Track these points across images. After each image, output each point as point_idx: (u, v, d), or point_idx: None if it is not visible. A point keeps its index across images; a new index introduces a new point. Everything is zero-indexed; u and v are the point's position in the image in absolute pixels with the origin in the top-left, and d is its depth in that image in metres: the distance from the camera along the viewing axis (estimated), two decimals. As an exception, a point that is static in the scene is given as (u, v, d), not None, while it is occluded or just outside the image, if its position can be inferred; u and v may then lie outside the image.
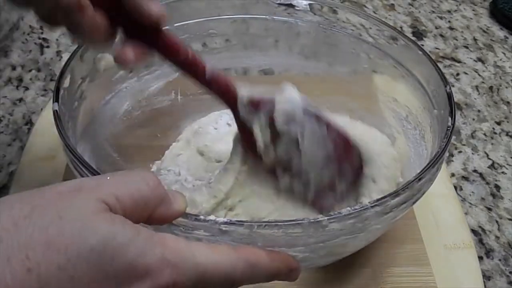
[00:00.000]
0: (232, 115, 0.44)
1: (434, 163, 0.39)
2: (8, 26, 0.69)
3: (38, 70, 0.67)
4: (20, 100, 0.63)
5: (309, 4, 0.54)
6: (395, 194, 0.36)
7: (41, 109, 0.61)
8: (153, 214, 0.30)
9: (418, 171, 0.39)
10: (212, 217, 0.33)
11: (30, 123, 0.60)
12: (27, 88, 0.65)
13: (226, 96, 0.43)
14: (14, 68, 0.67)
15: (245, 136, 0.45)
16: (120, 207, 0.28)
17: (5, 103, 0.63)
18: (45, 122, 0.57)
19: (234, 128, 0.46)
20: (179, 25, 0.55)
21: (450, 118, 0.42)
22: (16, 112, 0.62)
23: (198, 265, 0.28)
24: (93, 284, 0.25)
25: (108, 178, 0.29)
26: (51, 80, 0.66)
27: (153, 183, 0.30)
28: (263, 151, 0.44)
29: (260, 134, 0.43)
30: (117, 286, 0.26)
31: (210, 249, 0.30)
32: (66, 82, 0.44)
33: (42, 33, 0.73)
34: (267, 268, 0.32)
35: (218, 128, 0.57)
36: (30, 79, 0.66)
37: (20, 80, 0.66)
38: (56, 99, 0.42)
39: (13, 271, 0.24)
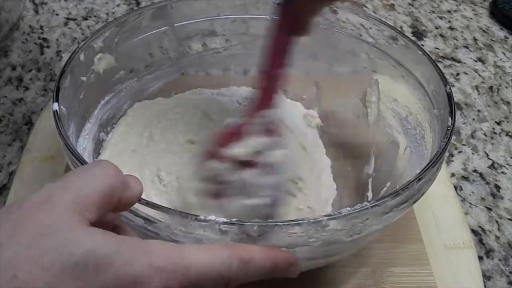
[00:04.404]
0: None
1: (434, 163, 0.39)
2: (8, 26, 0.69)
3: (38, 70, 0.67)
4: (20, 100, 0.63)
5: (309, 4, 0.54)
6: (395, 194, 0.36)
7: (41, 109, 0.61)
8: (121, 199, 0.30)
9: (418, 171, 0.39)
10: (212, 217, 0.33)
11: (30, 123, 0.60)
12: (27, 88, 0.65)
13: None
14: (14, 68, 0.67)
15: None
16: (92, 207, 0.28)
17: (5, 103, 0.63)
18: (45, 122, 0.57)
19: None
20: (179, 25, 0.55)
21: (450, 118, 0.42)
22: (16, 112, 0.62)
23: (189, 267, 0.28)
24: None
25: (72, 178, 0.29)
26: (51, 80, 0.66)
27: (113, 171, 0.30)
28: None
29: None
30: None
31: (201, 249, 0.29)
32: (66, 82, 0.44)
33: (42, 33, 0.73)
34: (262, 264, 0.31)
35: None
36: (30, 79, 0.66)
37: (20, 80, 0.66)
38: (56, 99, 0.42)
39: None
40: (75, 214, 0.27)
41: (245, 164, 0.41)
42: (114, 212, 0.31)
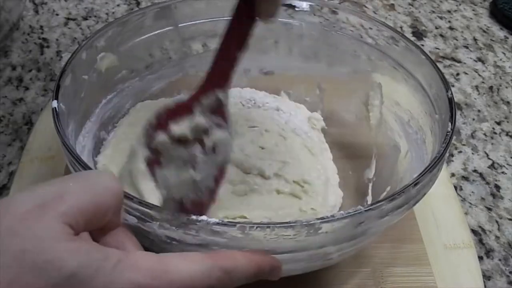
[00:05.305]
0: None
1: (431, 168, 0.38)
2: (8, 26, 0.69)
3: (38, 70, 0.67)
4: (20, 100, 0.63)
5: (310, 5, 0.54)
6: (390, 198, 0.36)
7: (41, 109, 0.61)
8: (110, 221, 0.30)
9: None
10: (203, 218, 0.33)
11: (30, 123, 0.60)
12: (27, 88, 0.65)
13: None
14: (14, 68, 0.67)
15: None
16: (83, 222, 0.28)
17: (5, 103, 0.63)
18: (45, 122, 0.57)
19: None
20: (180, 26, 0.55)
21: (450, 124, 0.42)
22: (16, 112, 0.62)
23: (173, 281, 0.28)
24: None
25: (71, 184, 0.28)
26: (51, 80, 0.66)
27: (117, 189, 0.30)
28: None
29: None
30: None
31: (183, 261, 0.29)
32: (67, 81, 0.44)
33: (42, 33, 0.73)
34: (245, 270, 0.31)
35: None
36: (30, 79, 0.66)
37: (20, 80, 0.66)
38: (55, 97, 0.42)
39: None
40: (65, 225, 0.27)
41: (187, 140, 0.42)
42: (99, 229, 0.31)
